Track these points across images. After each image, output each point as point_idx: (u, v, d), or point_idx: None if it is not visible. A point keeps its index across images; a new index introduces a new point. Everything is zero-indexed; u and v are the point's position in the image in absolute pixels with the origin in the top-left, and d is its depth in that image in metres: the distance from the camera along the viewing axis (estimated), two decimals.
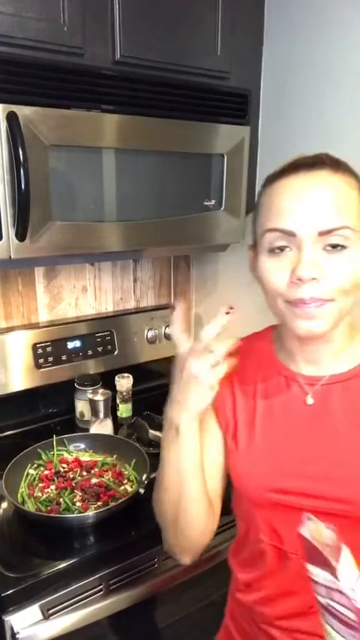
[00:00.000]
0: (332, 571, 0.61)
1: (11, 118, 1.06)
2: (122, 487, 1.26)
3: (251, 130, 1.48)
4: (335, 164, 0.68)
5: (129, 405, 1.68)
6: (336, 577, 0.61)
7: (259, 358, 0.81)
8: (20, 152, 1.07)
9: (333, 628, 0.64)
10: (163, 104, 1.29)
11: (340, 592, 0.61)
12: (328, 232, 0.65)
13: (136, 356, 1.79)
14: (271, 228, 0.68)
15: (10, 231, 1.13)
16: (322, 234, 0.65)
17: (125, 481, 1.29)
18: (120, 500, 1.17)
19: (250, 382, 0.80)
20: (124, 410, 1.67)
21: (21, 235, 1.13)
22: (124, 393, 1.66)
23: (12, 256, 1.14)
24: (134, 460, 1.33)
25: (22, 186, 1.08)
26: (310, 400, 0.74)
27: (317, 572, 0.63)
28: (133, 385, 1.67)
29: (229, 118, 1.42)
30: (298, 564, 0.71)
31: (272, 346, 0.82)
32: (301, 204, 0.66)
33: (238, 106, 1.44)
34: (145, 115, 1.26)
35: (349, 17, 1.30)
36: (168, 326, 1.85)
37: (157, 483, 0.84)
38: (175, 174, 1.37)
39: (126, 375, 1.66)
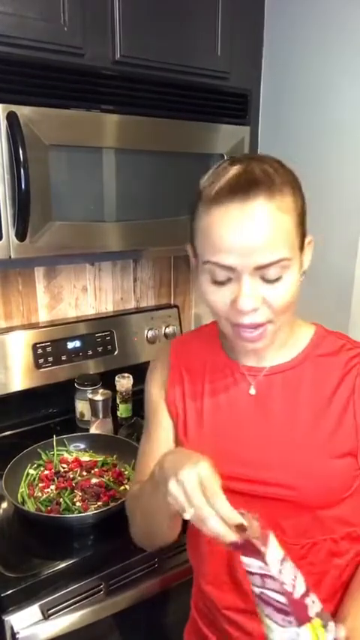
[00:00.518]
0: (262, 558, 0.63)
1: (11, 117, 1.06)
2: (122, 487, 1.26)
3: (251, 130, 1.48)
4: (270, 184, 0.65)
5: (129, 405, 1.68)
6: (265, 562, 0.63)
7: (206, 351, 0.83)
8: (20, 152, 1.07)
9: (269, 617, 0.65)
10: (163, 104, 1.29)
11: (271, 577, 0.63)
12: (266, 266, 0.66)
13: (136, 356, 1.78)
14: (212, 261, 0.68)
15: (10, 231, 1.13)
16: (259, 268, 0.66)
17: (125, 481, 1.29)
18: (120, 501, 1.17)
19: (199, 374, 0.83)
20: (124, 410, 1.67)
21: (21, 235, 1.13)
22: (124, 393, 1.66)
23: (12, 256, 1.14)
24: (134, 460, 1.32)
25: (22, 186, 1.08)
26: (252, 390, 0.78)
27: (250, 562, 0.64)
28: (133, 385, 1.67)
29: (229, 118, 1.42)
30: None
31: (218, 340, 0.85)
32: (238, 239, 0.65)
33: (238, 106, 1.44)
34: (144, 115, 1.26)
35: (349, 17, 1.30)
36: (168, 326, 1.85)
37: (132, 499, 0.88)
38: (174, 174, 1.37)
39: (126, 375, 1.66)
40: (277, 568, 0.63)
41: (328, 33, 1.36)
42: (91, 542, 1.14)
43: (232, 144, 1.43)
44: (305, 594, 0.64)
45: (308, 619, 0.63)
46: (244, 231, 0.64)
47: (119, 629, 1.23)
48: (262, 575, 0.64)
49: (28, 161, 1.08)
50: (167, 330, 1.85)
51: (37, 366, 1.59)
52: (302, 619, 0.62)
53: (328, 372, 0.77)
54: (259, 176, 0.65)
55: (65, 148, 1.17)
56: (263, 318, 0.69)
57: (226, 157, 1.42)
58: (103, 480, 1.28)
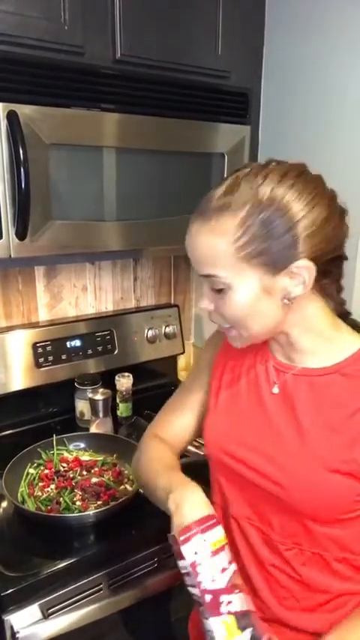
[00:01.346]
0: (181, 555, 0.69)
1: (12, 116, 1.06)
2: (122, 486, 1.26)
3: (252, 130, 1.48)
4: (208, 213, 0.73)
5: (129, 405, 1.68)
6: (183, 558, 0.68)
7: (259, 345, 0.86)
8: (20, 151, 1.07)
9: (202, 615, 0.69)
10: (163, 103, 1.29)
11: (188, 573, 0.67)
12: (204, 277, 0.76)
13: (136, 355, 1.78)
14: None
15: (10, 230, 1.12)
16: (202, 276, 0.76)
17: (125, 480, 1.29)
18: (120, 500, 1.17)
19: (241, 356, 0.88)
20: (124, 409, 1.67)
21: (21, 234, 1.13)
22: (124, 393, 1.66)
23: (12, 255, 1.14)
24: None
25: (23, 185, 1.08)
26: (275, 389, 0.82)
27: (181, 564, 0.70)
28: (133, 384, 1.67)
29: (230, 117, 1.42)
30: (240, 528, 0.86)
31: None
32: (188, 250, 0.78)
33: (238, 105, 1.44)
34: (145, 114, 1.26)
35: (350, 17, 1.30)
36: (168, 325, 1.85)
37: (138, 462, 0.98)
38: (175, 173, 1.37)
39: (126, 374, 1.66)
40: (190, 561, 0.68)
41: (329, 32, 1.36)
42: (91, 541, 1.14)
43: (232, 143, 1.43)
44: (223, 591, 0.67)
45: (218, 614, 0.66)
46: (188, 245, 0.77)
47: (119, 629, 1.23)
48: (186, 574, 0.70)
49: (29, 160, 1.08)
50: (167, 329, 1.85)
51: (37, 365, 1.59)
52: (212, 612, 0.66)
53: (357, 391, 0.77)
54: (209, 199, 0.74)
55: (65, 147, 1.17)
56: (220, 322, 0.79)
57: (226, 156, 1.43)
58: (103, 479, 1.28)
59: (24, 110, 1.08)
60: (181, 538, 0.69)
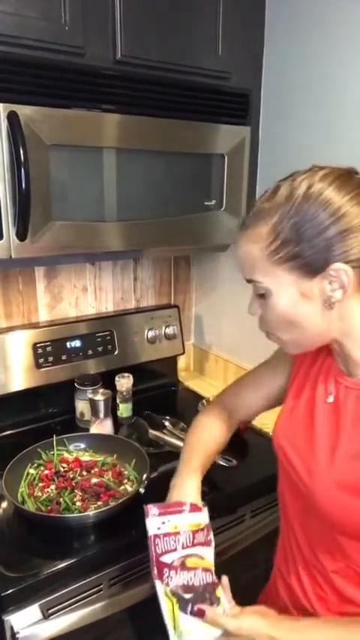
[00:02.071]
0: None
1: (12, 117, 1.06)
2: (122, 487, 1.26)
3: (252, 130, 1.48)
4: (248, 221, 0.76)
5: (129, 405, 1.68)
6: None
7: (328, 352, 0.87)
8: (21, 152, 1.07)
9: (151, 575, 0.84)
10: (163, 104, 1.29)
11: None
12: (249, 282, 0.79)
13: (136, 356, 1.78)
14: None
15: (10, 231, 1.13)
16: (248, 282, 0.79)
17: (125, 481, 1.29)
18: (120, 500, 1.17)
19: (313, 362, 0.90)
20: (124, 410, 1.67)
21: (21, 235, 1.13)
22: (124, 393, 1.66)
23: (12, 256, 1.14)
24: (134, 460, 1.33)
25: (23, 186, 1.08)
26: (330, 399, 0.83)
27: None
28: (133, 385, 1.67)
29: (230, 118, 1.42)
30: (287, 518, 0.92)
31: None
32: (235, 258, 0.81)
33: (238, 106, 1.44)
34: (145, 114, 1.26)
35: (350, 17, 1.30)
36: (168, 326, 1.85)
37: (194, 421, 1.14)
38: (175, 174, 1.37)
39: (126, 374, 1.66)
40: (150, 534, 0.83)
41: (329, 32, 1.36)
42: (91, 541, 1.14)
43: (232, 144, 1.43)
44: (174, 567, 0.80)
45: (160, 578, 0.80)
46: (235, 253, 0.80)
47: (119, 629, 1.23)
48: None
49: (29, 161, 1.08)
50: (167, 329, 1.85)
51: (37, 365, 1.59)
52: (156, 576, 0.81)
53: None
54: (253, 207, 0.77)
55: (66, 148, 1.17)
56: (264, 328, 0.82)
57: (226, 157, 1.43)
58: (103, 479, 1.28)
59: (24, 111, 1.08)
60: (150, 512, 0.84)
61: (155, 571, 0.81)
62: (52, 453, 1.37)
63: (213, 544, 0.87)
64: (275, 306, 0.76)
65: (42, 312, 1.70)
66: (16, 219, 1.12)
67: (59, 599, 1.07)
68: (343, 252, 0.69)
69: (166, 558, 0.81)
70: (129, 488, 1.26)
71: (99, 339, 1.72)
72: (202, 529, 0.86)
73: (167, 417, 1.59)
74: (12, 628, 1.02)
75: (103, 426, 1.50)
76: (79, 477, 1.28)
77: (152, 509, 0.84)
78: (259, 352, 1.22)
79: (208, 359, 2.03)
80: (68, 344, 1.66)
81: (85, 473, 1.31)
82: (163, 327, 1.85)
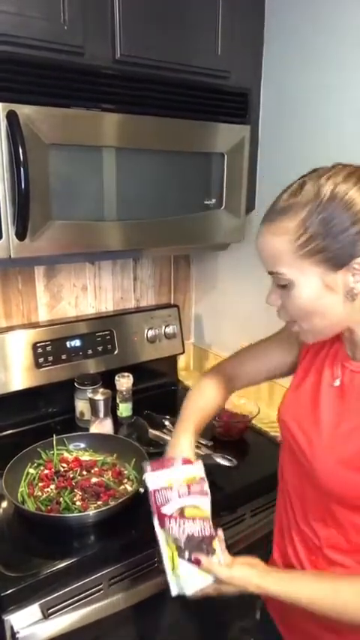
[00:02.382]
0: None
1: (11, 116, 1.06)
2: (122, 486, 1.26)
3: (251, 129, 1.48)
4: (273, 215, 0.79)
5: (129, 405, 1.68)
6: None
7: (336, 339, 0.91)
8: (20, 151, 1.07)
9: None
10: (163, 103, 1.29)
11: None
12: (271, 274, 0.81)
13: (136, 355, 1.78)
14: None
15: (10, 230, 1.12)
16: (270, 273, 0.82)
17: (125, 480, 1.29)
18: (120, 500, 1.17)
19: (321, 347, 0.94)
20: (124, 409, 1.67)
21: (21, 234, 1.13)
22: (124, 393, 1.66)
23: (12, 255, 1.14)
24: (134, 459, 1.33)
25: (22, 186, 1.08)
26: (336, 382, 0.88)
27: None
28: (133, 384, 1.67)
29: (230, 117, 1.42)
30: (287, 487, 0.98)
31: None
32: (258, 251, 0.83)
33: (238, 105, 1.44)
34: (145, 114, 1.26)
35: (350, 17, 1.30)
36: (168, 325, 1.85)
37: (198, 381, 1.21)
38: (175, 173, 1.37)
39: (126, 374, 1.66)
40: (153, 485, 0.90)
41: (329, 32, 1.36)
42: (91, 541, 1.14)
43: (232, 143, 1.43)
44: (174, 517, 0.87)
45: (162, 526, 0.88)
46: (257, 245, 0.82)
47: (119, 629, 1.23)
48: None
49: (28, 160, 1.08)
50: (167, 329, 1.85)
51: (37, 365, 1.59)
52: (160, 524, 0.89)
53: None
54: (277, 201, 0.80)
55: (65, 147, 1.17)
56: (285, 317, 0.85)
57: (226, 156, 1.43)
58: (103, 479, 1.28)
59: (24, 110, 1.08)
60: (148, 469, 0.92)
61: (157, 522, 0.89)
62: (52, 452, 1.37)
63: (209, 495, 0.93)
64: (298, 296, 0.79)
65: (42, 311, 1.70)
66: (16, 218, 1.11)
67: (59, 599, 1.07)
68: None
69: (166, 510, 0.88)
70: (129, 488, 1.26)
71: (99, 339, 1.72)
72: (197, 481, 0.93)
73: (167, 417, 1.59)
74: (12, 628, 1.02)
75: (103, 426, 1.50)
76: (79, 477, 1.28)
77: (148, 467, 0.92)
78: (279, 378, 1.20)
79: (207, 358, 2.03)
80: (68, 343, 1.66)
81: (85, 472, 1.31)
82: (163, 327, 1.84)
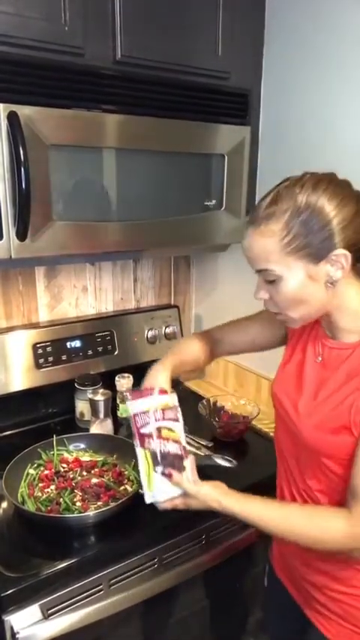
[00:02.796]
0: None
1: (12, 117, 1.06)
2: (122, 487, 1.26)
3: (251, 130, 1.48)
4: (258, 221, 0.89)
5: None
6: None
7: (315, 322, 1.03)
8: (21, 152, 1.07)
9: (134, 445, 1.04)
10: (163, 104, 1.29)
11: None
12: (259, 272, 0.92)
13: (136, 356, 1.78)
14: None
15: (10, 231, 1.13)
16: (257, 271, 0.92)
17: (125, 481, 1.29)
18: (120, 501, 1.17)
19: (304, 331, 1.06)
20: (124, 410, 1.67)
21: (21, 235, 1.13)
22: (124, 393, 1.66)
23: (12, 256, 1.14)
24: (134, 460, 1.32)
25: (23, 186, 1.08)
26: (319, 359, 1.00)
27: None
28: (133, 385, 1.67)
29: (230, 118, 1.42)
30: (283, 455, 1.09)
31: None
32: (244, 251, 0.94)
33: (238, 106, 1.44)
34: (145, 114, 1.26)
35: (349, 17, 1.30)
36: (168, 326, 1.85)
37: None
38: (175, 174, 1.37)
39: (126, 375, 1.66)
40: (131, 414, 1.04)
41: (329, 32, 1.36)
42: (91, 542, 1.14)
43: (232, 144, 1.43)
44: (151, 436, 1.01)
45: (142, 445, 1.01)
46: (243, 247, 0.93)
47: (119, 629, 1.23)
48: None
49: (29, 161, 1.08)
50: (167, 330, 1.85)
51: (37, 365, 1.59)
52: (139, 444, 1.02)
53: None
54: (258, 208, 0.90)
55: (66, 148, 1.17)
56: (274, 309, 0.95)
57: (226, 157, 1.43)
58: (103, 479, 1.28)
59: (24, 111, 1.08)
60: (130, 397, 1.06)
61: (138, 442, 1.02)
62: (52, 453, 1.37)
63: (182, 422, 1.06)
64: (286, 288, 0.89)
65: (42, 312, 1.70)
66: (16, 219, 1.12)
67: (59, 599, 1.07)
68: (342, 239, 0.86)
69: (145, 430, 1.02)
70: (129, 489, 1.26)
71: (99, 339, 1.72)
72: (171, 408, 1.06)
73: None
74: (12, 628, 1.02)
75: (103, 426, 1.50)
76: (79, 477, 1.28)
77: (129, 396, 1.07)
78: (258, 352, 1.23)
79: None
80: (68, 344, 1.66)
81: (85, 473, 1.31)
82: (163, 327, 1.85)
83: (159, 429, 1.02)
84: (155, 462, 1.00)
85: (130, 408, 1.05)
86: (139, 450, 1.02)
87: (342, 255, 0.86)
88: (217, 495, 0.99)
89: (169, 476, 0.99)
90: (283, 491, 1.11)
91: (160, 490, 1.01)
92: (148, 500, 1.02)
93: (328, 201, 0.85)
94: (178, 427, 1.05)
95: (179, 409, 1.08)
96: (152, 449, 1.01)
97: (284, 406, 1.04)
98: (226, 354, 1.33)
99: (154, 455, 1.01)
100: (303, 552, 1.04)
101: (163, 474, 1.00)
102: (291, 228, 0.86)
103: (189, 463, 1.03)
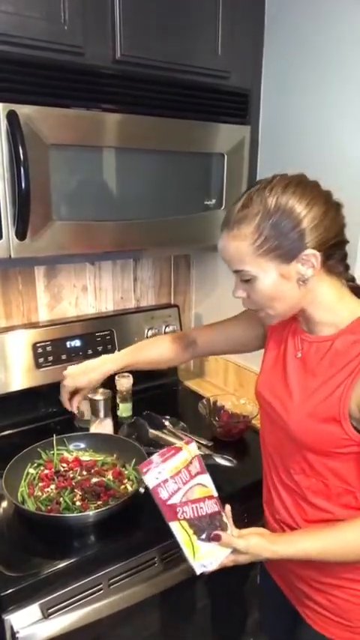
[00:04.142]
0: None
1: (12, 117, 1.06)
2: (122, 486, 1.26)
3: (251, 130, 1.48)
4: (231, 224, 0.93)
5: (129, 405, 1.68)
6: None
7: (293, 320, 1.06)
8: (20, 151, 1.07)
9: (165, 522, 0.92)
10: (163, 103, 1.29)
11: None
12: (236, 272, 0.96)
13: None
14: None
15: (10, 231, 1.13)
16: (234, 271, 0.97)
17: (125, 480, 1.29)
18: (120, 500, 1.17)
19: (281, 330, 1.09)
20: (124, 409, 1.67)
21: (21, 234, 1.13)
22: (124, 393, 1.66)
23: (12, 255, 1.14)
24: (134, 459, 1.33)
25: (23, 186, 1.08)
26: (298, 354, 1.03)
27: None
28: (133, 385, 1.67)
29: (230, 117, 1.42)
30: (269, 453, 1.11)
31: None
32: (221, 254, 0.99)
33: (238, 105, 1.44)
34: (145, 114, 1.26)
35: (349, 17, 1.30)
36: (168, 325, 1.85)
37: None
38: (175, 173, 1.37)
39: (126, 374, 1.66)
40: (150, 487, 0.92)
41: (329, 32, 1.36)
42: (91, 541, 1.14)
43: (232, 143, 1.43)
44: (183, 504, 0.92)
45: (175, 519, 0.91)
46: (219, 249, 0.98)
47: (119, 629, 1.23)
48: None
49: (29, 160, 1.08)
50: (167, 329, 1.85)
51: (37, 365, 1.59)
52: (169, 518, 0.91)
53: (345, 355, 0.94)
54: (231, 213, 0.94)
55: (65, 147, 1.17)
56: (253, 307, 0.99)
57: (226, 157, 1.43)
58: (103, 479, 1.28)
59: (24, 110, 1.08)
60: (143, 470, 0.93)
61: (166, 515, 0.92)
62: (52, 452, 1.37)
63: (207, 472, 1.00)
64: (261, 287, 0.94)
65: (42, 311, 1.70)
66: (16, 218, 1.12)
67: (59, 599, 1.07)
68: (311, 239, 0.89)
69: (173, 500, 0.92)
70: (129, 488, 1.26)
71: (99, 339, 1.72)
72: (191, 462, 0.98)
73: (167, 417, 1.59)
74: (12, 628, 1.02)
75: (103, 426, 1.50)
76: (79, 477, 1.28)
77: (145, 467, 0.94)
78: (258, 352, 1.23)
79: (208, 359, 2.02)
80: (68, 344, 1.66)
81: (85, 472, 1.31)
82: (163, 327, 1.85)
83: (188, 491, 0.94)
84: (195, 530, 0.92)
85: (146, 481, 0.93)
86: (172, 524, 0.92)
87: (312, 255, 0.90)
88: (268, 544, 0.95)
89: (216, 539, 0.93)
90: (270, 492, 1.13)
91: (208, 557, 0.93)
92: (198, 571, 0.94)
93: (298, 203, 0.88)
94: (208, 479, 0.99)
95: (200, 458, 1.00)
96: (188, 518, 0.92)
97: (271, 403, 1.06)
98: (207, 354, 1.39)
99: (191, 523, 0.92)
100: None
101: (207, 539, 0.93)
102: (262, 231, 0.90)
103: (226, 517, 0.98)
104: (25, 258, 1.18)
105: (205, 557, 0.93)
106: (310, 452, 0.99)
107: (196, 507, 0.94)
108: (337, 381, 0.94)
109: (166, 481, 0.92)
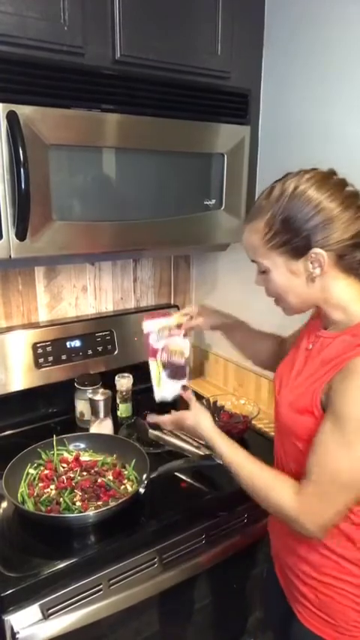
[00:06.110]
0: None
1: (11, 117, 1.06)
2: (122, 487, 1.26)
3: (251, 130, 1.48)
4: (250, 216, 0.98)
5: (129, 405, 1.68)
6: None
7: (317, 315, 1.10)
8: (20, 152, 1.07)
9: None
10: (163, 104, 1.29)
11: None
12: (253, 262, 1.01)
13: (136, 356, 1.78)
14: None
15: (10, 231, 1.13)
16: (252, 262, 1.01)
17: (125, 481, 1.29)
18: (120, 500, 1.17)
19: (307, 327, 1.13)
20: (124, 410, 1.67)
21: (21, 235, 1.13)
22: (124, 393, 1.66)
23: (12, 256, 1.14)
24: (134, 460, 1.33)
25: (22, 186, 1.08)
26: (310, 346, 1.05)
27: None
28: (133, 385, 1.67)
29: (230, 117, 1.42)
30: (276, 438, 1.12)
31: None
32: (243, 244, 1.03)
33: (238, 105, 1.44)
34: (145, 114, 1.26)
35: (350, 17, 1.30)
36: None
37: None
38: (175, 173, 1.37)
39: (126, 374, 1.66)
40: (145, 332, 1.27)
41: (329, 32, 1.36)
42: (91, 541, 1.14)
43: (232, 143, 1.43)
44: (160, 350, 1.26)
45: (154, 358, 1.27)
46: (242, 241, 1.02)
47: (119, 629, 1.23)
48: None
49: (29, 161, 1.08)
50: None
51: (37, 365, 1.59)
52: (150, 356, 1.28)
53: (334, 353, 0.95)
54: (254, 204, 1.00)
55: (65, 148, 1.17)
56: (271, 297, 1.03)
57: (226, 157, 1.43)
58: (103, 479, 1.28)
59: (24, 111, 1.08)
60: (145, 319, 1.28)
61: (150, 354, 1.27)
62: (52, 452, 1.37)
63: (187, 336, 1.29)
64: (274, 279, 0.98)
65: (42, 312, 1.70)
66: (16, 219, 1.12)
67: (59, 599, 1.07)
68: (321, 239, 0.90)
69: (158, 345, 1.26)
70: (129, 488, 1.26)
71: (99, 339, 1.72)
72: (177, 326, 1.28)
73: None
74: (12, 628, 1.02)
75: (103, 426, 1.50)
76: (78, 477, 1.28)
77: (147, 318, 1.28)
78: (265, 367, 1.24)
79: (208, 359, 2.03)
80: (68, 344, 1.66)
81: (85, 473, 1.31)
82: None
83: (168, 344, 1.26)
84: (164, 369, 1.26)
85: (144, 326, 1.26)
86: (151, 362, 1.26)
87: (319, 255, 0.91)
88: (212, 424, 1.12)
89: (185, 389, 1.27)
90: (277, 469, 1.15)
91: (166, 389, 1.27)
92: (157, 398, 1.28)
93: (311, 201, 0.89)
94: (184, 342, 1.29)
95: (185, 325, 1.29)
96: (163, 360, 1.26)
97: (275, 389, 1.11)
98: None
99: (164, 364, 1.26)
100: (284, 534, 1.07)
101: (169, 377, 1.26)
102: (272, 226, 0.93)
103: (187, 370, 1.28)
104: (25, 259, 1.18)
105: (165, 389, 1.27)
106: (295, 438, 1.01)
107: (169, 354, 1.26)
108: (317, 376, 0.96)
109: (157, 332, 1.25)
